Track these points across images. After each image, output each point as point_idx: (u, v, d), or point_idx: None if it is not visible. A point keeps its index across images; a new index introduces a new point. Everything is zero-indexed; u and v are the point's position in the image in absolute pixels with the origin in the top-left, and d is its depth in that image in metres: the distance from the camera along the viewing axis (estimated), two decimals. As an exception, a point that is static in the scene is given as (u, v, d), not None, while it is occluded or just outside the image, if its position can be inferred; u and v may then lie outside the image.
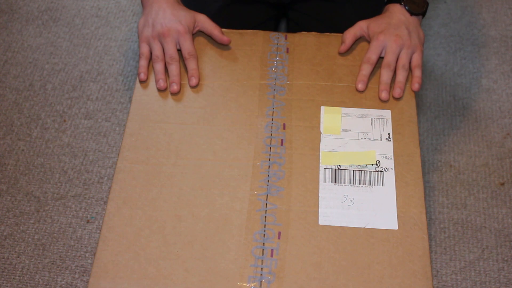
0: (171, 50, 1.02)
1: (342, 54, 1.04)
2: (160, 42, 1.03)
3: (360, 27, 1.06)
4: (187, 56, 1.02)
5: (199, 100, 0.98)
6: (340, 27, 1.07)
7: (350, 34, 1.05)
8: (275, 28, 1.32)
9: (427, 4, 1.08)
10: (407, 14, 1.06)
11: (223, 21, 1.08)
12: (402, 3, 1.06)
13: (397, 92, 0.99)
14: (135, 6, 1.76)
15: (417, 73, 1.02)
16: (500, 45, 1.65)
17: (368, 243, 0.83)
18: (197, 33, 1.06)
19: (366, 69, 1.01)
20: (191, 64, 1.01)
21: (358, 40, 1.06)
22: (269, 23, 1.26)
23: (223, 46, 1.05)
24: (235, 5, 1.18)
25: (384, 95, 0.99)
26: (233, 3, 1.18)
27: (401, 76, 1.00)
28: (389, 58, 1.01)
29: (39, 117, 1.51)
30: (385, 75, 1.00)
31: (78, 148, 1.46)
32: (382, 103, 0.98)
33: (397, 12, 1.06)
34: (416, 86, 1.01)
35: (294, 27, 1.25)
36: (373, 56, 1.02)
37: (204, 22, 1.06)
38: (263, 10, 1.22)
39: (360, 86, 0.99)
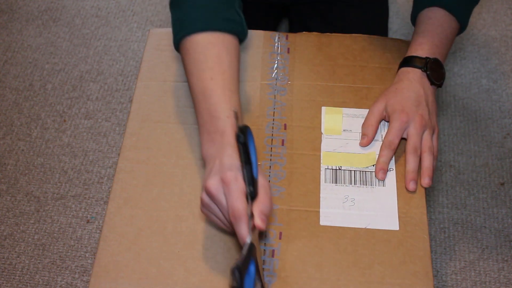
0: None
1: (362, 147, 0.92)
2: None
3: (379, 112, 0.92)
4: None
5: (199, 100, 0.97)
6: (342, 29, 1.06)
7: (372, 126, 0.92)
8: (275, 27, 1.32)
9: (445, 75, 0.95)
10: (427, 84, 0.93)
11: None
12: (424, 69, 0.93)
13: (426, 181, 0.87)
14: (135, 6, 1.76)
15: (432, 163, 0.89)
16: (500, 45, 1.65)
17: (369, 243, 0.83)
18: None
19: (386, 156, 0.89)
20: None
21: (359, 40, 1.05)
22: (269, 22, 1.25)
23: None
24: None
25: (412, 186, 0.87)
26: None
27: (427, 161, 0.88)
28: (415, 142, 0.89)
29: (39, 117, 1.51)
30: (412, 162, 0.88)
31: (78, 148, 1.45)
32: (383, 103, 0.98)
33: (416, 82, 0.92)
34: (426, 180, 0.88)
35: (296, 28, 1.25)
36: (395, 140, 0.89)
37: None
38: (264, 9, 1.22)
39: (381, 176, 0.88)
